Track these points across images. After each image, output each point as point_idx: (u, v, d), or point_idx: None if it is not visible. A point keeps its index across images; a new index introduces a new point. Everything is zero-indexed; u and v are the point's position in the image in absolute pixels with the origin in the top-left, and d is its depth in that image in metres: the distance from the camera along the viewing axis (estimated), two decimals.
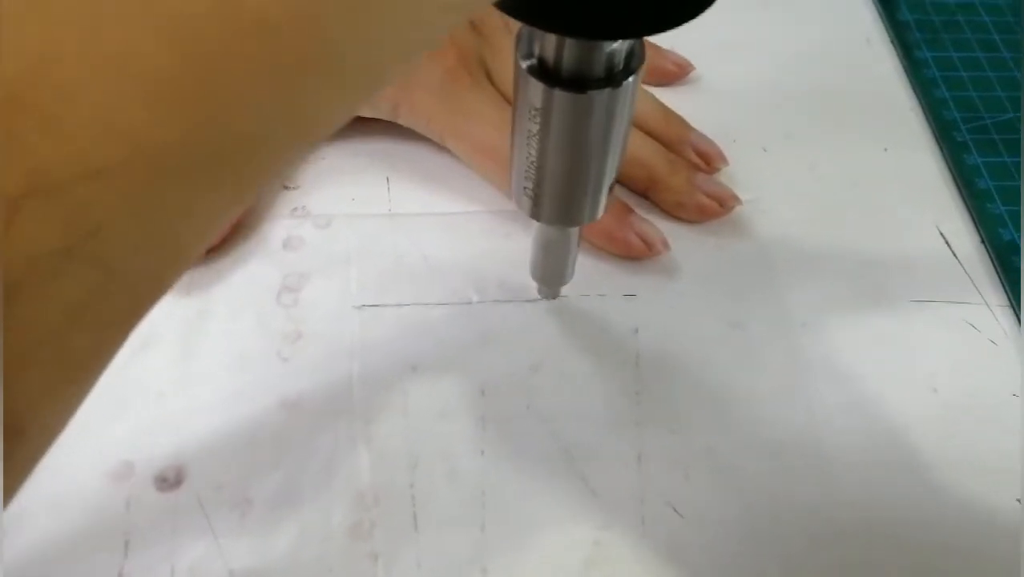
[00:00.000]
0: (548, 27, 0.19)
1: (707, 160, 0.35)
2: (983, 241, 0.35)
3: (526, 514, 0.27)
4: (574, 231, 0.28)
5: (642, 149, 0.34)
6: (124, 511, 0.27)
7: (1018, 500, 0.29)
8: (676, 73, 0.39)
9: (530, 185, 0.24)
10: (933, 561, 0.27)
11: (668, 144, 0.34)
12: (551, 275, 0.30)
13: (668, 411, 0.30)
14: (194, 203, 0.12)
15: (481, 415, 0.29)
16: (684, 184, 0.33)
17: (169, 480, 0.27)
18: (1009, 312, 0.33)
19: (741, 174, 0.36)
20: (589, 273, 0.32)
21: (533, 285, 0.32)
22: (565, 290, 0.31)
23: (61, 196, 0.10)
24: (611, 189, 0.25)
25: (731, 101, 0.39)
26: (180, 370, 0.30)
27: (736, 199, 0.34)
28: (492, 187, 0.34)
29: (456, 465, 0.28)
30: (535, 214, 0.25)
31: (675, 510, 0.28)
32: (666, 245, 0.33)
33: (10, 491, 0.12)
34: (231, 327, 0.31)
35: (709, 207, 0.34)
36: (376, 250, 0.33)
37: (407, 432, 0.29)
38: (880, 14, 0.43)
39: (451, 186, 0.35)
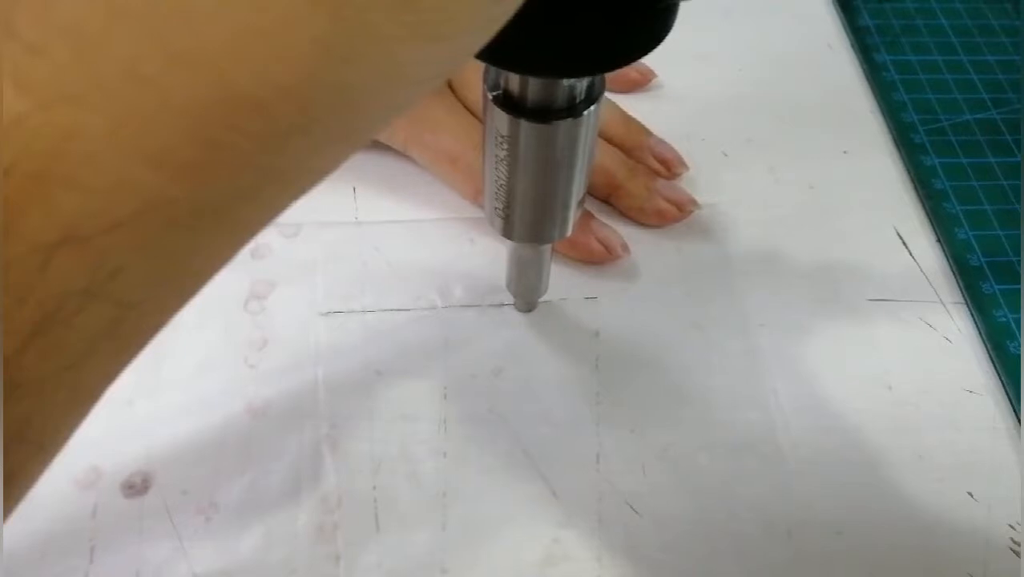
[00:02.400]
0: (510, 68, 0.21)
1: (667, 165, 0.35)
2: (939, 240, 0.36)
3: (486, 514, 0.28)
4: (546, 248, 0.29)
5: (603, 156, 0.34)
6: (91, 517, 0.27)
7: (969, 493, 0.29)
8: (639, 80, 0.39)
9: (500, 206, 0.26)
10: (887, 555, 0.28)
11: (628, 151, 0.35)
12: (526, 289, 0.31)
13: (627, 412, 0.30)
14: (197, 248, 0.14)
15: (443, 418, 0.30)
16: (644, 190, 0.34)
17: (136, 486, 0.28)
18: (963, 309, 0.34)
19: (702, 179, 0.37)
20: (551, 277, 0.32)
21: (497, 290, 0.33)
22: None
23: (87, 245, 0.12)
24: (580, 205, 0.26)
25: (693, 107, 0.40)
26: (148, 377, 0.30)
27: (695, 203, 0.35)
28: (456, 194, 0.35)
29: (418, 467, 0.29)
30: (507, 233, 0.27)
31: (632, 508, 0.28)
32: (626, 249, 0.33)
33: (19, 501, 0.14)
34: (199, 335, 0.31)
35: (668, 211, 0.34)
36: (342, 257, 0.34)
37: (371, 436, 0.29)
38: (841, 19, 0.44)
39: (416, 194, 0.35)
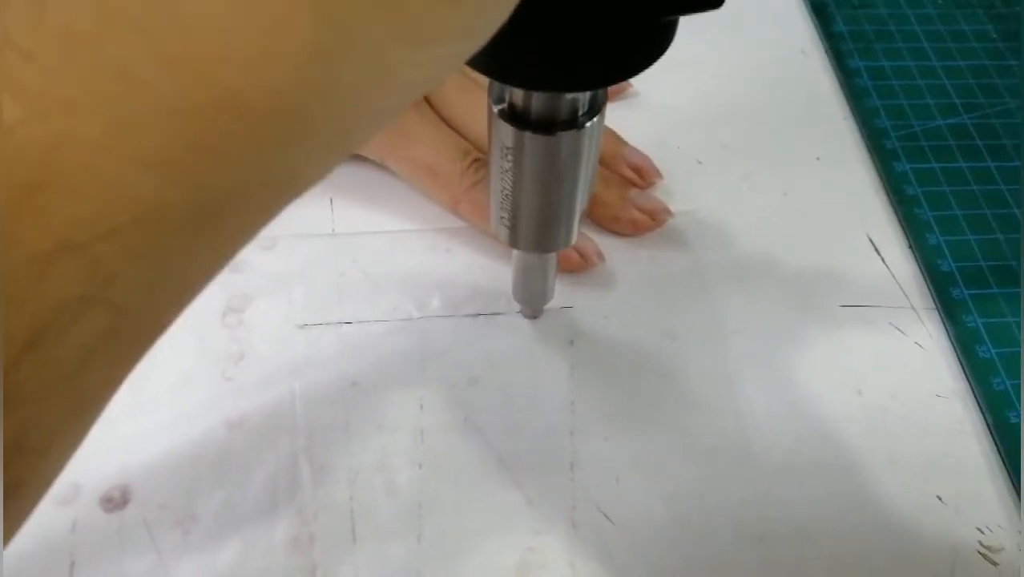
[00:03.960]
0: (515, 83, 0.21)
1: (641, 175, 0.36)
2: (911, 246, 0.36)
3: (462, 524, 0.28)
4: (551, 256, 0.29)
5: None
6: (70, 533, 0.27)
7: (938, 497, 0.30)
8: (614, 90, 0.40)
9: (506, 216, 0.26)
10: (856, 559, 0.29)
11: (602, 161, 0.35)
12: (532, 297, 0.32)
13: (601, 420, 0.31)
14: (193, 253, 0.14)
15: (420, 429, 0.30)
16: (618, 200, 0.35)
17: (115, 500, 0.28)
18: (934, 315, 0.34)
19: (677, 186, 0.37)
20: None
21: (473, 300, 0.33)
22: (502, 304, 0.33)
23: (83, 252, 0.12)
24: (584, 214, 0.27)
25: (668, 115, 0.40)
26: (126, 391, 0.30)
27: (668, 212, 0.35)
28: (432, 205, 0.35)
29: (394, 478, 0.29)
30: (513, 242, 0.27)
31: (606, 516, 0.29)
32: (601, 257, 0.34)
33: (31, 507, 0.14)
34: (176, 349, 0.31)
35: (642, 221, 0.35)
36: (319, 270, 0.34)
37: (347, 447, 0.30)
38: (815, 25, 0.45)
39: (393, 205, 0.36)
